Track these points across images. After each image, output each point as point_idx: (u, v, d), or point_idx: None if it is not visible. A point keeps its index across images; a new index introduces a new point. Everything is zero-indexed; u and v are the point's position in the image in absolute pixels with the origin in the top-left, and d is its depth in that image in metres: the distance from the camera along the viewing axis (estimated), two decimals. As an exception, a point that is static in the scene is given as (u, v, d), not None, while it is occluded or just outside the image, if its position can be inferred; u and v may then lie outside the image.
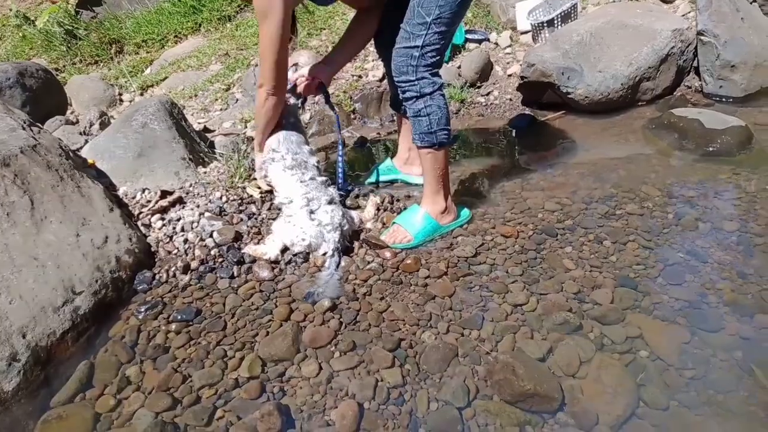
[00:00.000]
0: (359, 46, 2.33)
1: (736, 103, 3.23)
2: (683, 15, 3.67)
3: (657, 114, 3.12)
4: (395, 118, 3.37)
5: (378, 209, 2.30)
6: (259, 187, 2.41)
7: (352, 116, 3.47)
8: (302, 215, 2.04)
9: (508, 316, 1.74)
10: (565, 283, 1.85)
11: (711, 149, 2.66)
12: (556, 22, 3.65)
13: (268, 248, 2.03)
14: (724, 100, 3.27)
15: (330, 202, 2.08)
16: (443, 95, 1.99)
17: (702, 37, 3.29)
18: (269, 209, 2.31)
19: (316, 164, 2.20)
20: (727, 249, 1.97)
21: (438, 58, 1.94)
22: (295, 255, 2.03)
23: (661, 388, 1.47)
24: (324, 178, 2.18)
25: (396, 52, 1.94)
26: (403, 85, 1.96)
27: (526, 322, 1.70)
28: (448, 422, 1.41)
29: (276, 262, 2.02)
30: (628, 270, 1.90)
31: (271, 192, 2.31)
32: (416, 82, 1.93)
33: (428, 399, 1.48)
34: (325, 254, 2.01)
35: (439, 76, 1.98)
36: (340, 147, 2.39)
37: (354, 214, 2.22)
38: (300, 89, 2.24)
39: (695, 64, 3.41)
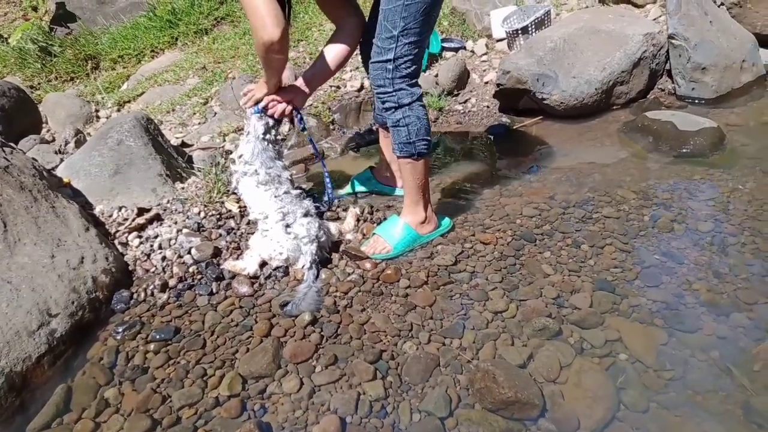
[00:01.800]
0: (335, 68, 2.20)
1: (708, 104, 3.29)
2: (654, 19, 3.73)
3: (631, 117, 3.17)
4: (374, 128, 3.39)
5: (358, 220, 2.30)
6: (238, 201, 2.39)
7: (331, 127, 3.47)
8: (278, 229, 2.02)
9: (488, 323, 1.75)
10: (544, 288, 1.87)
11: (685, 151, 2.71)
12: (530, 29, 3.69)
13: (247, 263, 2.02)
14: (696, 101, 3.33)
15: (305, 215, 2.08)
16: (423, 105, 2.00)
17: (673, 41, 3.35)
18: (248, 224, 2.30)
19: (289, 178, 2.18)
20: (703, 249, 2.01)
21: (414, 68, 1.95)
22: (274, 269, 2.02)
23: (641, 390, 1.49)
24: (298, 191, 2.17)
25: (372, 66, 1.95)
26: (382, 96, 1.97)
27: (507, 329, 1.71)
28: (431, 433, 1.41)
29: (255, 277, 2.01)
30: (605, 273, 1.92)
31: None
32: (394, 93, 1.94)
33: (410, 410, 1.47)
34: (303, 267, 2.01)
35: (418, 86, 1.99)
36: (325, 170, 2.35)
37: (331, 225, 2.22)
38: (272, 112, 2.15)
39: (667, 67, 3.48)
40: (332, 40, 2.15)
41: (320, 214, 2.22)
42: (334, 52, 2.13)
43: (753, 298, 1.75)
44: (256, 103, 2.13)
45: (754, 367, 1.53)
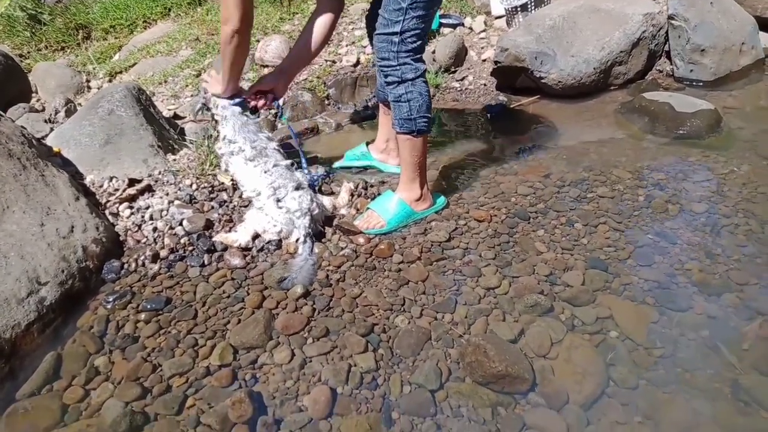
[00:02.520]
0: (315, 50, 2.16)
1: (706, 86, 3.27)
2: (654, -1, 3.69)
3: (629, 98, 3.15)
4: (370, 104, 3.36)
5: (352, 195, 2.28)
6: (228, 174, 2.36)
7: (326, 102, 3.42)
8: (270, 204, 2.01)
9: (480, 299, 1.75)
10: (537, 265, 1.87)
11: (681, 132, 2.70)
12: (529, 6, 3.65)
13: (239, 235, 2.00)
14: (694, 83, 3.31)
15: (297, 188, 2.06)
16: (425, 82, 1.97)
17: (672, 21, 3.32)
18: (240, 197, 2.27)
19: (276, 148, 2.16)
20: (696, 230, 2.01)
21: (419, 43, 1.92)
22: (267, 243, 2.01)
23: (630, 367, 1.50)
24: (288, 162, 2.15)
25: (377, 38, 1.91)
26: (386, 69, 1.94)
27: (499, 305, 1.72)
28: (421, 405, 1.41)
29: (247, 249, 1.99)
30: (598, 252, 1.92)
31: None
32: (398, 68, 1.92)
33: (401, 382, 1.48)
34: (297, 240, 1.99)
35: (422, 62, 1.96)
36: (303, 160, 2.31)
37: (325, 199, 2.20)
38: (254, 105, 2.19)
39: (666, 48, 3.45)
40: (310, 21, 2.12)
41: (313, 188, 2.20)
42: (311, 36, 2.11)
43: (744, 279, 1.76)
44: (231, 97, 2.13)
45: (743, 346, 1.54)
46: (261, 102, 2.21)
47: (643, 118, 2.85)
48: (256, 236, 2.02)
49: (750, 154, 2.48)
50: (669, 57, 3.45)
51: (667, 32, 3.39)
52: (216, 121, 2.23)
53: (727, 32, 3.29)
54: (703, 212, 2.10)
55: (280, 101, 2.28)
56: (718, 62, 3.26)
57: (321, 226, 2.10)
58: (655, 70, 3.48)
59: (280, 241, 2.02)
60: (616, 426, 1.36)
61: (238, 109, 2.12)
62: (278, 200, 2.02)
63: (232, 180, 2.36)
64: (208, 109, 2.25)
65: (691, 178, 2.33)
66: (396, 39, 1.86)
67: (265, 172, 2.07)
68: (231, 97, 2.15)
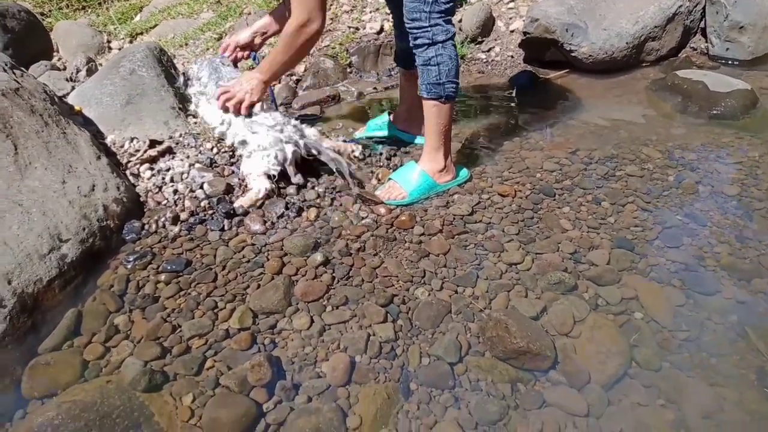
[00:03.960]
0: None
1: (742, 66, 3.16)
2: (693, -27, 3.55)
3: (661, 75, 3.05)
4: (393, 73, 3.29)
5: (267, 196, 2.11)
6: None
7: (348, 70, 3.37)
8: (251, 137, 2.07)
9: (502, 274, 1.72)
10: (561, 243, 1.83)
11: (715, 112, 2.61)
12: (562, -24, 3.52)
13: (256, 187, 2.02)
14: (730, 62, 3.20)
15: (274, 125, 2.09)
16: (455, 45, 1.92)
17: (711, -3, 3.19)
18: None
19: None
20: (727, 213, 1.95)
21: (451, 4, 1.86)
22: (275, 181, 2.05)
23: (654, 349, 1.46)
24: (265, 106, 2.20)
25: None
26: (416, 31, 1.88)
27: (521, 281, 1.69)
28: (440, 377, 1.40)
29: (269, 196, 2.04)
30: (625, 231, 1.87)
31: None
32: (429, 29, 1.86)
33: (420, 354, 1.46)
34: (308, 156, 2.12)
35: (452, 24, 1.91)
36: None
37: (307, 129, 2.21)
38: (233, 57, 2.28)
39: (702, 25, 3.33)
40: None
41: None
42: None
43: (776, 265, 1.71)
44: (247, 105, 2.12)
45: (772, 333, 1.50)
46: (240, 54, 2.28)
47: (676, 97, 2.77)
48: (269, 177, 2.06)
49: (786, 137, 2.39)
50: (704, 34, 3.32)
51: (704, 8, 3.26)
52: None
53: (769, 9, 3.15)
54: (734, 195, 2.04)
55: (258, 54, 2.36)
56: (756, 40, 3.14)
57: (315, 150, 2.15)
58: (689, 48, 3.36)
59: (300, 209, 2.00)
60: (637, 407, 1.33)
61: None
62: (252, 130, 2.08)
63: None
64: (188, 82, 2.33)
65: (724, 159, 2.26)
66: None
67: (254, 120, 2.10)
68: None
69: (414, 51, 1.93)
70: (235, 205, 2.01)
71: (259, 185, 2.03)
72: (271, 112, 2.14)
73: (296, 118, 2.28)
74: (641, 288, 1.65)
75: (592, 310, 1.58)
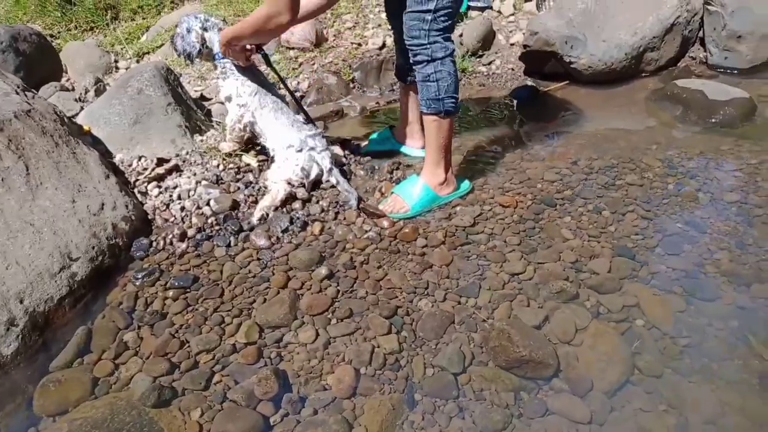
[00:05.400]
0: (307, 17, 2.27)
1: (741, 74, 3.18)
2: (690, -17, 3.59)
3: (660, 85, 3.08)
4: (395, 88, 3.34)
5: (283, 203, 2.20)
6: (257, 155, 2.40)
7: (351, 85, 3.42)
8: (292, 152, 2.18)
9: (504, 284, 1.74)
10: (562, 252, 1.85)
11: (714, 121, 2.64)
12: (560, -11, 3.57)
13: (273, 191, 2.12)
14: (728, 71, 3.22)
15: (313, 136, 2.22)
16: (454, 62, 1.96)
17: (709, 6, 3.22)
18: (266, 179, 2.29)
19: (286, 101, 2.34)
20: (727, 220, 1.97)
21: (450, 22, 1.90)
22: (294, 218, 2.08)
23: (656, 356, 1.48)
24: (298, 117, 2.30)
25: (408, 15, 1.89)
26: (415, 48, 1.92)
27: (523, 291, 1.71)
28: (444, 387, 1.42)
29: (285, 203, 2.12)
30: (626, 240, 1.89)
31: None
32: (428, 46, 1.90)
33: (424, 365, 1.49)
34: (323, 172, 2.21)
35: (451, 41, 1.94)
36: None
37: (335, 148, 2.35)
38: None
39: (701, 34, 3.36)
40: None
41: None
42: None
43: (776, 271, 1.72)
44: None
45: (773, 338, 1.51)
46: (248, 53, 2.26)
47: (675, 106, 2.79)
48: (289, 183, 2.15)
49: (786, 143, 2.41)
50: (703, 44, 3.35)
51: (702, 18, 3.30)
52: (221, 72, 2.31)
53: (766, 18, 3.18)
54: (734, 202, 2.06)
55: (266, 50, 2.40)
56: (755, 49, 3.16)
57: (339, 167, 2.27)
58: (688, 57, 3.39)
59: (305, 223, 2.04)
60: (640, 414, 1.35)
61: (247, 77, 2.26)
62: (300, 150, 2.18)
63: (258, 161, 2.38)
64: (201, 52, 2.29)
65: (723, 167, 2.28)
66: (428, 17, 1.84)
67: (291, 125, 2.21)
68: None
69: (414, 67, 1.97)
70: (253, 216, 2.06)
71: (279, 187, 2.11)
72: (310, 126, 2.29)
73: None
74: (642, 295, 1.66)
75: (594, 318, 1.60)
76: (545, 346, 1.47)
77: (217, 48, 2.22)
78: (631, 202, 2.08)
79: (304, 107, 2.53)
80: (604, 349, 1.50)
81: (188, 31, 2.22)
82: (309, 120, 2.40)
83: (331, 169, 2.21)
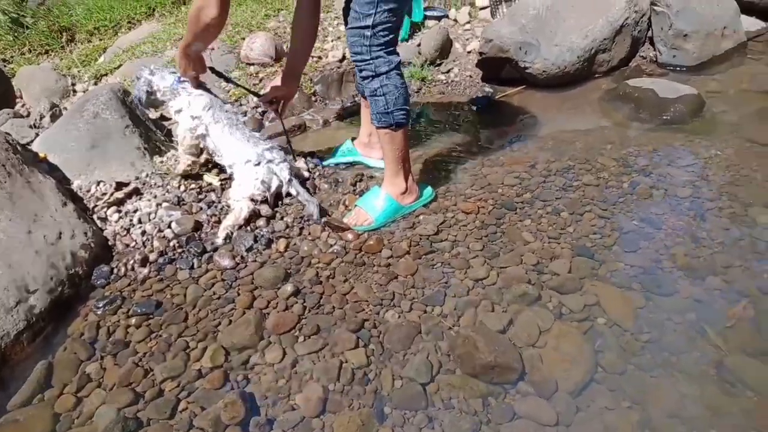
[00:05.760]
0: (308, 45, 2.29)
1: (689, 71, 3.29)
2: (637, -15, 3.70)
3: (613, 85, 3.16)
4: (357, 100, 3.35)
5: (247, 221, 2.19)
6: (218, 174, 2.38)
7: (313, 98, 3.42)
8: (249, 167, 2.18)
9: (469, 291, 1.76)
10: (524, 255, 1.88)
11: (665, 118, 2.72)
12: (513, -4, 3.65)
13: (236, 209, 2.09)
14: (677, 69, 3.33)
15: (270, 150, 2.22)
16: (400, 74, 1.97)
17: (655, 7, 3.33)
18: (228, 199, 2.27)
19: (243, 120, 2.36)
20: (681, 215, 2.03)
21: (391, 36, 1.91)
22: (257, 236, 2.06)
23: (618, 352, 1.52)
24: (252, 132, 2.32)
25: (349, 32, 1.91)
26: (360, 64, 1.93)
27: (487, 296, 1.73)
28: (413, 398, 1.43)
29: (250, 220, 2.11)
30: (585, 240, 1.94)
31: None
32: (371, 62, 1.91)
33: (392, 377, 1.49)
34: (282, 184, 2.20)
35: (396, 54, 1.95)
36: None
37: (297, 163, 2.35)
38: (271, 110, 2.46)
39: (650, 34, 3.46)
40: (294, 19, 2.20)
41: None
42: (299, 29, 2.21)
43: (728, 262, 1.78)
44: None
45: (728, 329, 1.56)
46: (274, 107, 2.41)
47: (628, 105, 2.87)
48: (252, 200, 2.14)
49: (733, 137, 2.50)
50: (652, 43, 3.46)
51: (650, 18, 3.40)
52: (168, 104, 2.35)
53: (710, 17, 3.30)
54: (687, 197, 2.12)
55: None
56: (700, 47, 3.28)
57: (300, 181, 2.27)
58: (639, 57, 3.49)
59: (270, 240, 2.03)
60: (605, 412, 1.38)
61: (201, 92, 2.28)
62: (258, 163, 2.18)
63: (219, 180, 2.36)
64: (152, 94, 2.35)
65: (676, 163, 2.35)
66: (368, 33, 1.85)
67: (247, 140, 2.22)
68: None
69: (361, 82, 1.99)
70: (217, 236, 2.05)
71: (241, 205, 2.10)
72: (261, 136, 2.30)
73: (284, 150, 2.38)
74: (602, 293, 1.70)
75: (557, 319, 1.63)
76: (510, 351, 1.50)
77: (168, 80, 2.29)
78: (588, 202, 2.13)
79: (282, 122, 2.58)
80: (567, 350, 1.53)
81: (137, 78, 2.35)
82: (285, 132, 2.53)
83: (290, 180, 2.21)
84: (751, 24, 3.57)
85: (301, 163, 2.42)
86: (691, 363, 1.48)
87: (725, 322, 1.58)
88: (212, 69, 2.35)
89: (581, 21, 3.20)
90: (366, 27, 1.84)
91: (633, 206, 2.09)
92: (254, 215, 2.13)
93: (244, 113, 2.45)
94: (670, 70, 3.33)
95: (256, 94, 2.57)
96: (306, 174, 2.38)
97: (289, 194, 2.23)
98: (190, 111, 2.24)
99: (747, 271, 1.75)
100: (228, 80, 2.46)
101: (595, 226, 2.00)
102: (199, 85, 2.29)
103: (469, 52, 3.68)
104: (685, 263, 1.80)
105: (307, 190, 2.26)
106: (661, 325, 1.59)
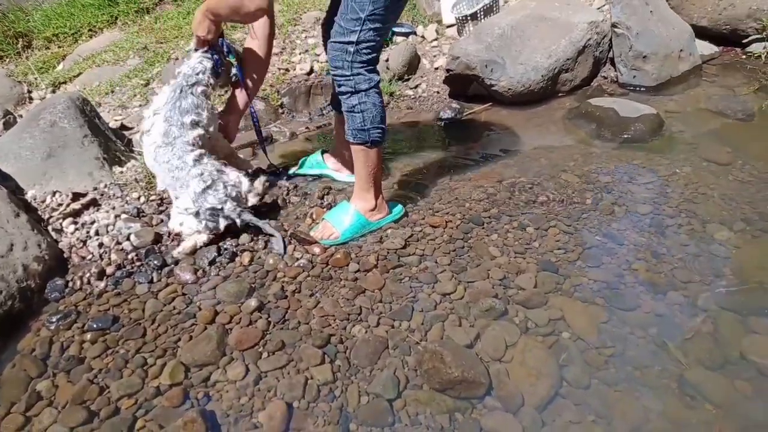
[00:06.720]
0: (259, 79, 2.34)
1: (648, 92, 3.40)
2: (599, 8, 3.83)
3: (576, 104, 3.24)
4: (325, 113, 3.34)
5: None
6: None
7: (280, 110, 3.39)
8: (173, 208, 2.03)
9: (436, 305, 1.76)
10: (491, 270, 1.89)
11: (626, 136, 2.79)
12: (479, 15, 3.71)
13: (191, 241, 1.99)
14: (637, 89, 3.43)
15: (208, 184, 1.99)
16: (379, 93, 1.95)
17: (616, 29, 3.44)
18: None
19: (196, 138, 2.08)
20: (642, 231, 2.07)
21: (374, 54, 1.90)
22: (218, 254, 1.98)
23: (583, 367, 1.53)
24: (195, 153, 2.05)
25: (331, 45, 1.88)
26: (339, 79, 1.91)
27: (454, 311, 1.73)
28: (379, 415, 1.40)
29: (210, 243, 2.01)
30: (549, 255, 1.96)
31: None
32: (352, 78, 1.89)
33: (359, 393, 1.47)
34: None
35: (376, 73, 1.94)
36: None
37: (243, 180, 2.12)
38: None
39: (611, 55, 3.57)
40: (246, 51, 2.26)
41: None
42: (250, 63, 2.26)
43: (688, 277, 1.83)
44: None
45: (688, 343, 1.59)
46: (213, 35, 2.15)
47: (590, 124, 2.94)
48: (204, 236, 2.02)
49: (691, 155, 2.58)
50: (613, 64, 3.57)
51: (611, 40, 3.51)
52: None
53: (667, 39, 3.43)
54: (648, 213, 2.17)
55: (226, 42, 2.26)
56: (659, 68, 3.40)
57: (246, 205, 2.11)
58: (601, 77, 3.59)
59: (234, 254, 1.98)
60: (570, 426, 1.38)
61: (203, 66, 2.11)
62: (197, 213, 1.99)
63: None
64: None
65: (636, 180, 2.41)
66: (351, 49, 1.84)
67: (177, 168, 1.99)
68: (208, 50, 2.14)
69: (339, 97, 1.97)
70: (175, 252, 1.98)
71: (195, 239, 2.00)
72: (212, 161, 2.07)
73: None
74: (567, 308, 1.72)
75: (523, 334, 1.63)
76: (477, 365, 1.49)
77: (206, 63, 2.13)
78: (553, 218, 2.16)
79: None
80: (533, 364, 1.53)
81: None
82: (261, 141, 2.50)
83: (240, 213, 2.04)
84: (705, 48, 3.72)
85: (257, 183, 2.19)
86: (653, 377, 1.50)
87: (685, 336, 1.61)
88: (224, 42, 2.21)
89: (545, 41, 3.28)
90: (350, 43, 1.82)
91: (596, 222, 2.13)
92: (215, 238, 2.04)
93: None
94: (630, 90, 3.43)
95: (241, 75, 2.35)
96: (259, 194, 2.18)
97: (248, 225, 2.08)
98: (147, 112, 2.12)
99: (706, 286, 1.79)
100: (231, 52, 2.27)
101: (559, 241, 2.02)
102: (212, 47, 2.14)
103: (436, 69, 3.73)
104: (647, 278, 1.83)
105: (264, 214, 2.14)
106: (624, 339, 1.61)
